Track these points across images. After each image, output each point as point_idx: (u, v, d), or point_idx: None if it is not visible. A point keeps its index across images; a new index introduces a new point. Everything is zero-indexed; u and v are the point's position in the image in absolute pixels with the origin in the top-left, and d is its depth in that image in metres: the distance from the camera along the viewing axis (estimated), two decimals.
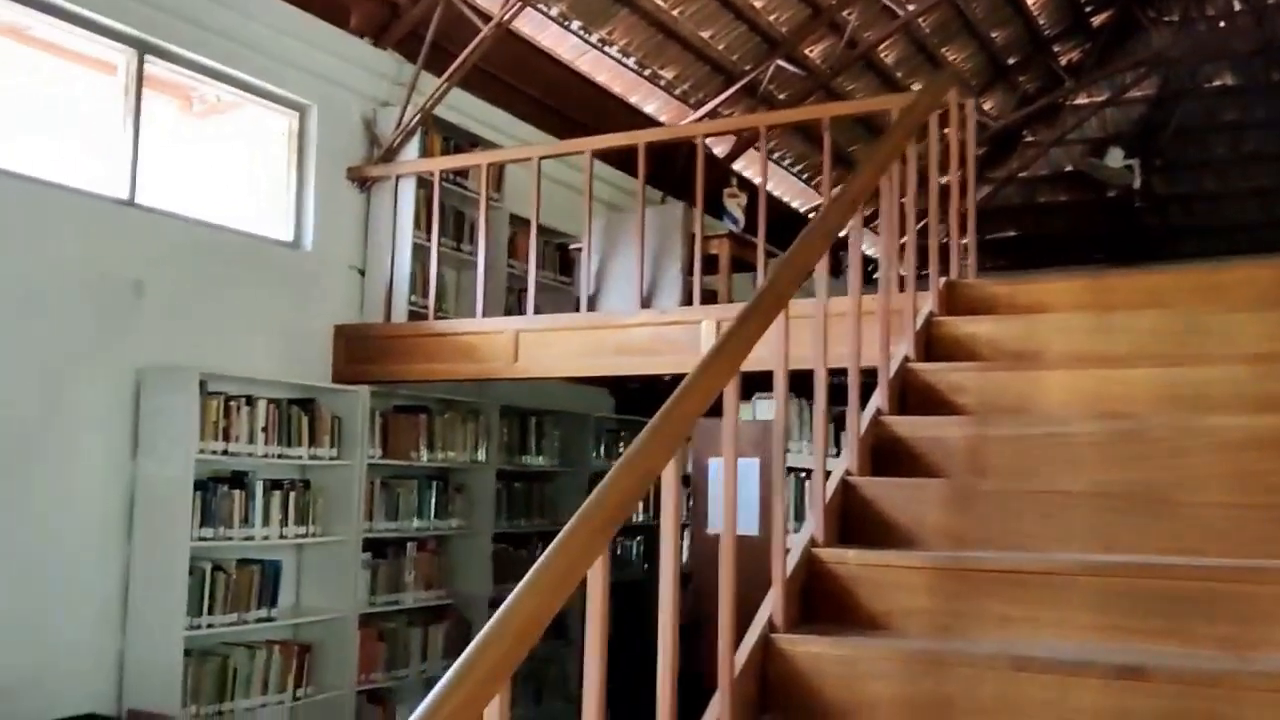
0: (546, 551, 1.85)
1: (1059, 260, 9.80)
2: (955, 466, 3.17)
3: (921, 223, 4.24)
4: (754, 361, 2.49)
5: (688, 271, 5.09)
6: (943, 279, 4.11)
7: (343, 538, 5.35)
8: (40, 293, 4.41)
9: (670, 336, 4.95)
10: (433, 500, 5.96)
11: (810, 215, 10.23)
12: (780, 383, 2.66)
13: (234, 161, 5.64)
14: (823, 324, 2.86)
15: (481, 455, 6.31)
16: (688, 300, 5.04)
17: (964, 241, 4.36)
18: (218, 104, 5.64)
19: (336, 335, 5.77)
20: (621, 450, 7.88)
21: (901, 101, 4.76)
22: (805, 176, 9.74)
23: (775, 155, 9.17)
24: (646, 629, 2.41)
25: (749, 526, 4.96)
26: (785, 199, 9.74)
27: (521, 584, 1.79)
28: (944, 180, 4.39)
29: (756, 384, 7.01)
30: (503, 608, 1.73)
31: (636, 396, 8.45)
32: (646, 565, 7.69)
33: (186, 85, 5.41)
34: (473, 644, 1.65)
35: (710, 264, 5.23)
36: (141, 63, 4.96)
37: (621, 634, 3.73)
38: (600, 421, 7.48)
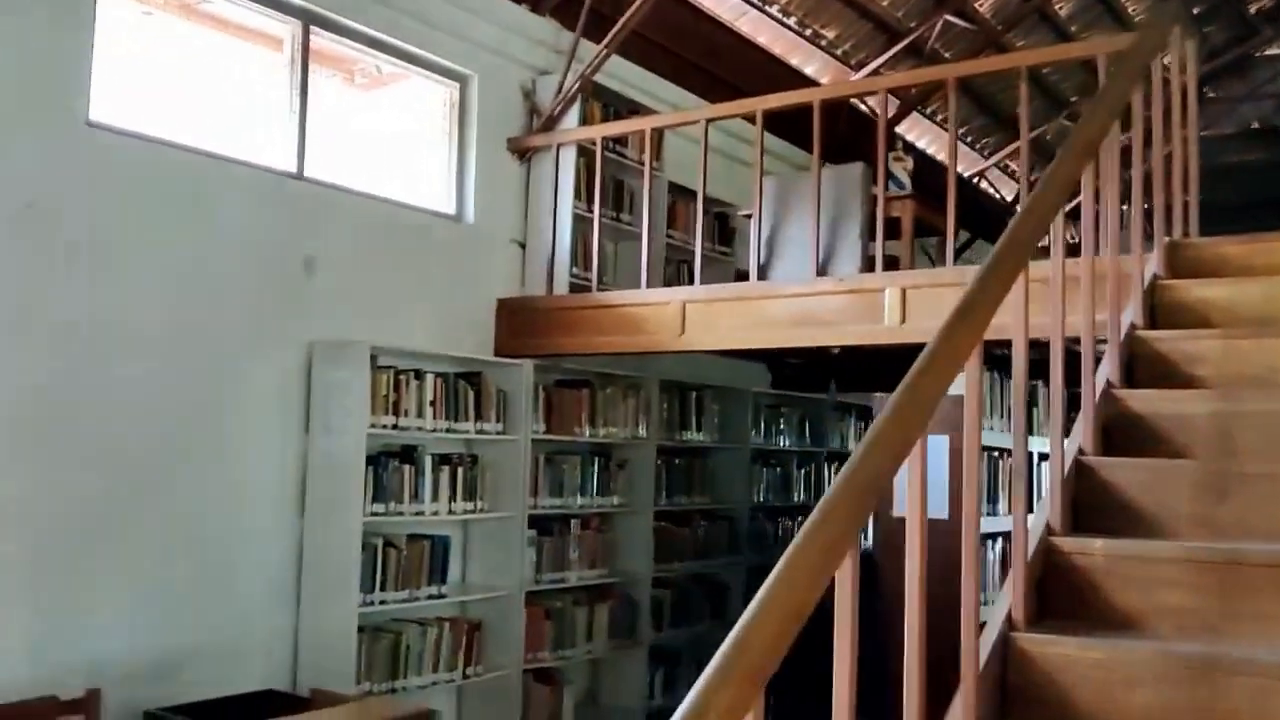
0: (795, 542, 1.62)
1: (1244, 225, 9.08)
2: (1202, 446, 2.83)
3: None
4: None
5: (868, 236, 4.80)
6: (1165, 239, 3.73)
7: (509, 514, 5.26)
8: (214, 267, 4.41)
9: (849, 306, 4.67)
10: (595, 476, 5.83)
11: (974, 179, 9.73)
12: (1020, 351, 2.38)
13: (396, 134, 5.58)
14: (1061, 285, 2.56)
15: (642, 431, 6.15)
16: (868, 267, 4.76)
17: (1186, 199, 3.95)
18: (379, 77, 5.59)
19: (499, 309, 5.68)
20: (782, 428, 7.72)
21: (1108, 46, 4.37)
22: (969, 140, 9.26)
23: (938, 118, 8.74)
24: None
25: (939, 509, 4.67)
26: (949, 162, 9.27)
27: (772, 580, 1.57)
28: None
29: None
30: (756, 603, 1.52)
31: (795, 373, 8.18)
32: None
33: (350, 59, 5.37)
34: (727, 645, 1.44)
35: (891, 228, 4.93)
36: (307, 34, 4.91)
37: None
38: (759, 397, 7.24)
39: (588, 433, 5.81)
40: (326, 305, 4.82)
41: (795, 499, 7.61)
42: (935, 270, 4.85)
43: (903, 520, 1.97)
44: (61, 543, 3.88)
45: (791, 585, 1.56)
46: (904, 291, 4.48)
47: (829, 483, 7.84)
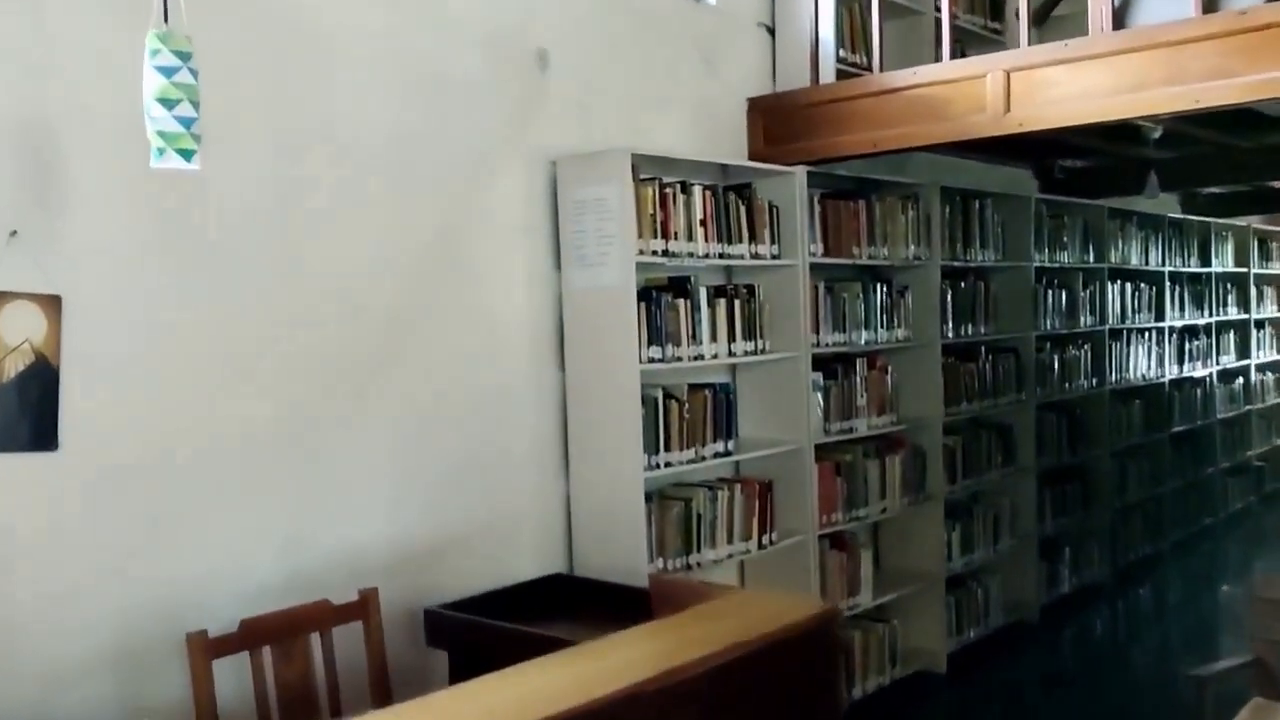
0: None
1: None
2: None
3: None
4: None
5: None
6: None
7: (792, 353, 4.37)
8: (437, 64, 3.53)
9: (1256, 48, 3.50)
10: (878, 306, 4.86)
11: None
12: None
13: None
14: None
15: (923, 249, 5.12)
16: None
17: None
18: None
19: (751, 109, 4.68)
20: (1066, 242, 6.57)
21: None
22: None
23: None
24: None
25: None
26: None
27: None
28: None
29: None
30: None
31: (1068, 177, 6.97)
32: None
33: None
34: None
35: None
36: None
37: None
38: (1040, 205, 6.10)
39: (866, 254, 4.83)
40: (565, 109, 3.91)
41: (1082, 324, 6.51)
42: None
43: None
44: (298, 424, 3.15)
45: None
46: None
47: (1115, 305, 6.71)
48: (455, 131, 3.57)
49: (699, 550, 3.93)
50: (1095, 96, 3.83)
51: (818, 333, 4.53)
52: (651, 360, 3.77)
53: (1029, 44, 4.03)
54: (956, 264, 5.38)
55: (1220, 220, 8.55)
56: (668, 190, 3.84)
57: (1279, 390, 9.52)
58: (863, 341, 4.78)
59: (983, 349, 5.61)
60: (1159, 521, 7.42)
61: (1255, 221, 9.18)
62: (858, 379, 4.73)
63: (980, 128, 4.11)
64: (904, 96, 4.29)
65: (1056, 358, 6.27)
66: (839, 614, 3.03)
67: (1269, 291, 9.38)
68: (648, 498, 3.78)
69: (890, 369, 4.94)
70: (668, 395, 3.84)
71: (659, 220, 3.81)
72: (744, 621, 2.31)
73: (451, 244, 3.58)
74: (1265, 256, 9.29)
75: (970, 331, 5.50)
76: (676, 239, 3.87)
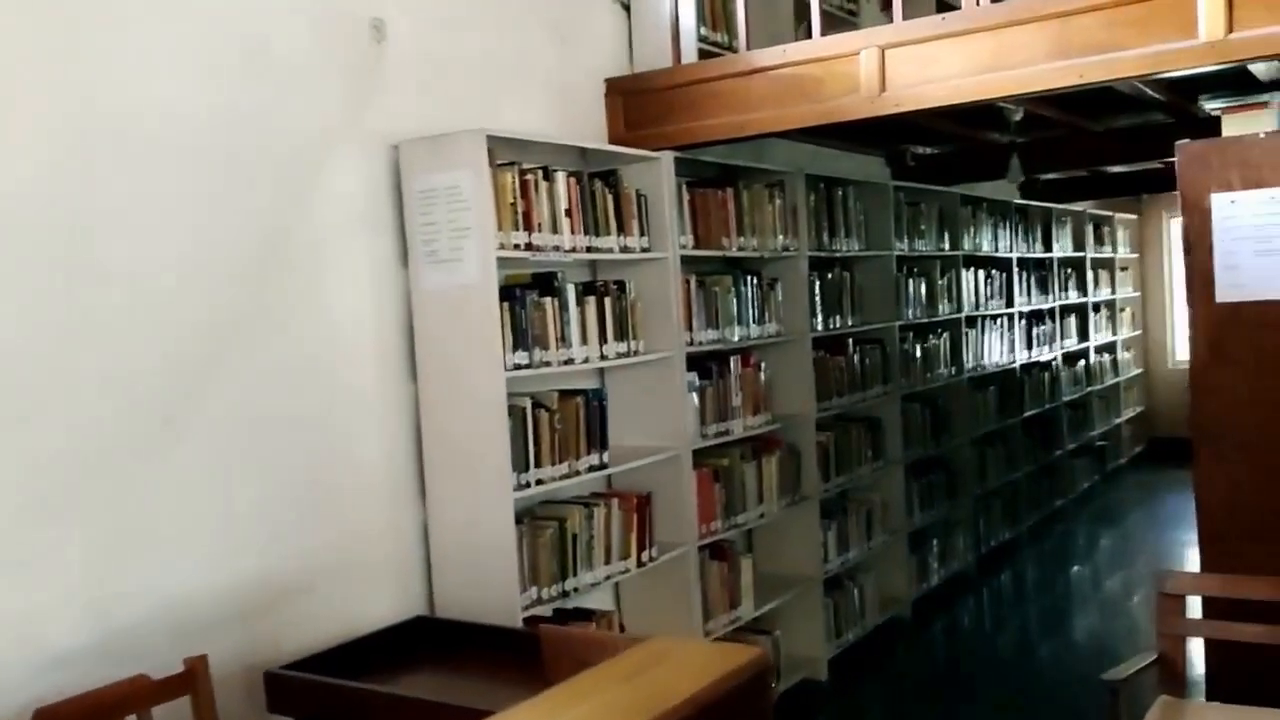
0: None
1: None
2: None
3: None
4: None
5: None
6: None
7: (666, 353, 4.04)
8: (260, 37, 3.04)
9: (1147, 18, 3.35)
10: (750, 300, 4.59)
11: None
12: None
13: None
14: None
15: (791, 240, 4.88)
16: None
17: None
18: None
19: (610, 92, 4.33)
20: (923, 230, 6.46)
21: None
22: None
23: None
24: None
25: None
26: None
27: None
28: None
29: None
30: None
31: (920, 163, 6.90)
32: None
33: None
34: None
35: None
36: None
37: None
38: (898, 193, 5.97)
39: (736, 245, 4.54)
40: (406, 87, 3.47)
41: (941, 312, 6.42)
42: None
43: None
44: (96, 457, 2.62)
45: None
46: None
47: (970, 293, 6.65)
48: (280, 113, 3.09)
49: (575, 575, 3.56)
50: (975, 74, 3.62)
51: (691, 330, 4.22)
52: (518, 366, 3.37)
53: (903, 19, 3.82)
54: (823, 254, 5.17)
55: (1059, 206, 8.70)
56: (529, 177, 3.45)
57: (1115, 371, 9.80)
58: (736, 338, 4.50)
59: (850, 341, 5.43)
60: (1016, 506, 7.46)
61: (1089, 207, 9.41)
62: (732, 378, 4.45)
63: (854, 109, 3.86)
64: (773, 76, 4.01)
65: (919, 347, 6.16)
66: (769, 664, 2.67)
67: (1103, 275, 9.63)
68: (518, 520, 3.38)
69: (763, 365, 4.68)
70: (537, 404, 3.45)
71: (520, 210, 3.41)
72: (666, 682, 1.94)
73: (279, 241, 3.09)
74: (1100, 241, 9.53)
75: (838, 324, 5.30)
76: (541, 231, 3.48)
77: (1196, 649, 3.76)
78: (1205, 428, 3.59)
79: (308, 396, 3.13)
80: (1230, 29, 3.22)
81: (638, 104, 4.32)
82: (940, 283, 6.44)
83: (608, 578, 3.71)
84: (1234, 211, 3.53)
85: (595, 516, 3.64)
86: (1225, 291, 3.54)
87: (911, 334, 6.09)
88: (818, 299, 5.08)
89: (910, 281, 6.06)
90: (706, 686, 1.83)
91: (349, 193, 3.29)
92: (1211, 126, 4.67)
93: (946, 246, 6.57)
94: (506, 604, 3.32)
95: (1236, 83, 5.45)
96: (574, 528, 3.55)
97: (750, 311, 4.58)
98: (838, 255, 5.33)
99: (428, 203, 3.37)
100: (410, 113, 3.47)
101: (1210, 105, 6.14)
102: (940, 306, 6.43)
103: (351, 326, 3.28)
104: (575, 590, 3.56)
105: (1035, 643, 5.65)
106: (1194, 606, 3.56)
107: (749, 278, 4.60)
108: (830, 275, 5.24)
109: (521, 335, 3.38)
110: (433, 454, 3.44)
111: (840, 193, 5.33)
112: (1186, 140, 3.69)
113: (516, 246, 3.38)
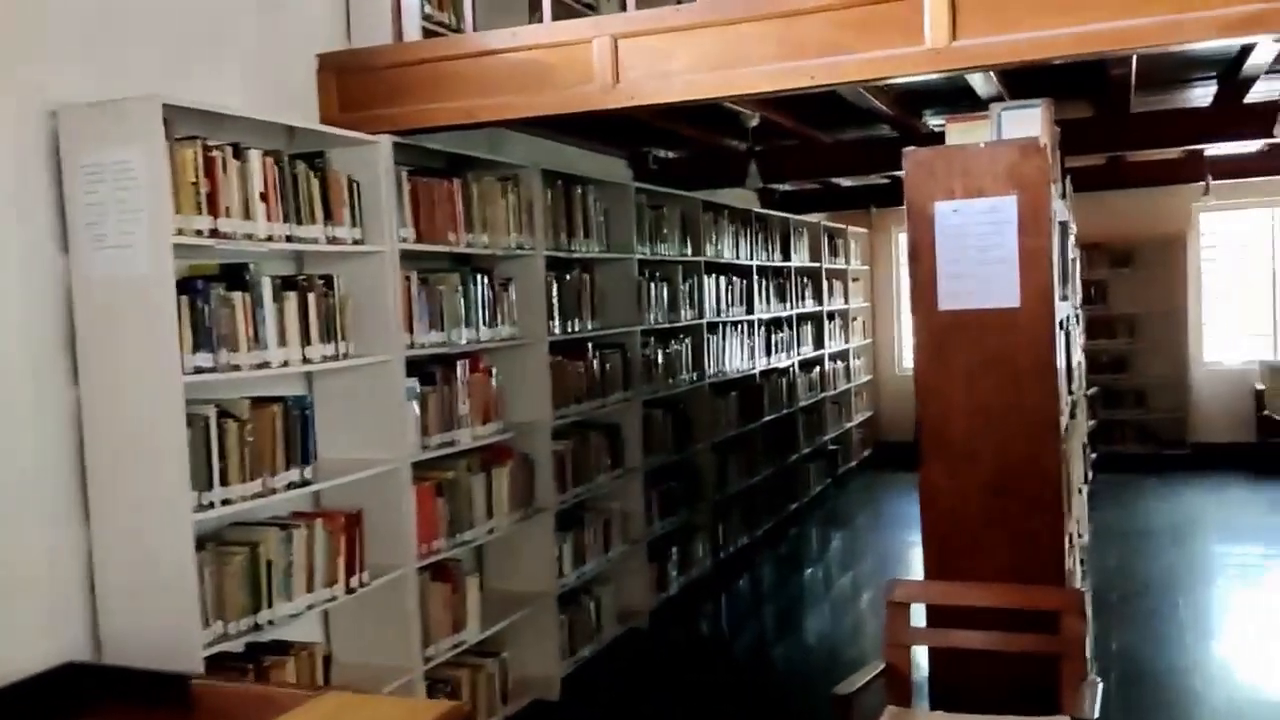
0: None
1: None
2: None
3: None
4: None
5: None
6: None
7: (383, 357, 3.70)
8: None
9: (870, 20, 3.31)
10: (479, 301, 4.30)
11: None
12: None
13: None
14: None
15: (527, 238, 4.64)
16: None
17: None
18: None
19: (323, 68, 3.94)
20: (666, 234, 6.36)
21: None
22: None
23: None
24: None
25: (1007, 296, 3.51)
26: None
27: None
28: None
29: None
30: None
31: (662, 166, 6.83)
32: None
33: None
34: None
35: None
36: None
37: None
38: (640, 194, 5.84)
39: (464, 241, 4.25)
40: (69, 43, 2.98)
41: (683, 318, 6.35)
42: None
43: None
44: None
45: None
46: None
47: (711, 299, 6.64)
48: None
49: (271, 606, 3.16)
50: (707, 70, 3.50)
51: (411, 332, 3.89)
52: (199, 370, 2.94)
53: (636, 8, 3.65)
54: (561, 254, 4.95)
55: (797, 216, 8.90)
56: (215, 154, 3.02)
57: (848, 377, 10.15)
58: (463, 341, 4.20)
59: (590, 345, 5.24)
60: (754, 511, 7.52)
61: (825, 219, 9.70)
62: (459, 384, 4.15)
63: (588, 100, 3.66)
64: (504, 61, 3.75)
65: (660, 352, 6.06)
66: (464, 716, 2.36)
67: (838, 285, 9.94)
68: (200, 545, 2.95)
69: (495, 371, 4.40)
70: (223, 413, 3.03)
71: (204, 192, 2.98)
72: None
73: None
74: (834, 252, 9.84)
75: (577, 327, 5.10)
76: (229, 216, 3.07)
77: (924, 656, 3.77)
78: (929, 436, 3.60)
79: None
80: (954, 36, 3.22)
81: (355, 83, 3.95)
82: (683, 288, 6.37)
83: (310, 607, 3.32)
84: (957, 220, 3.55)
85: (295, 539, 3.25)
86: (948, 299, 3.55)
87: (653, 339, 5.98)
88: (555, 301, 4.86)
89: (652, 286, 5.95)
90: None
91: None
92: (936, 141, 4.77)
93: (689, 252, 6.52)
94: (185, 642, 2.88)
95: (960, 100, 5.67)
96: (268, 553, 3.14)
97: (480, 313, 4.29)
98: (577, 256, 5.13)
99: (93, 179, 2.89)
100: (75, 73, 2.98)
101: (935, 121, 6.38)
102: (683, 312, 6.36)
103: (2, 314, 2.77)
104: (270, 623, 3.16)
105: (772, 647, 5.65)
106: (920, 613, 3.56)
107: (480, 276, 4.31)
108: (569, 277, 5.03)
109: (205, 334, 2.95)
110: (98, 470, 2.96)
111: (580, 191, 5.14)
112: (913, 147, 3.70)
113: (198, 233, 2.96)
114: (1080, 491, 5.21)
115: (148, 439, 2.89)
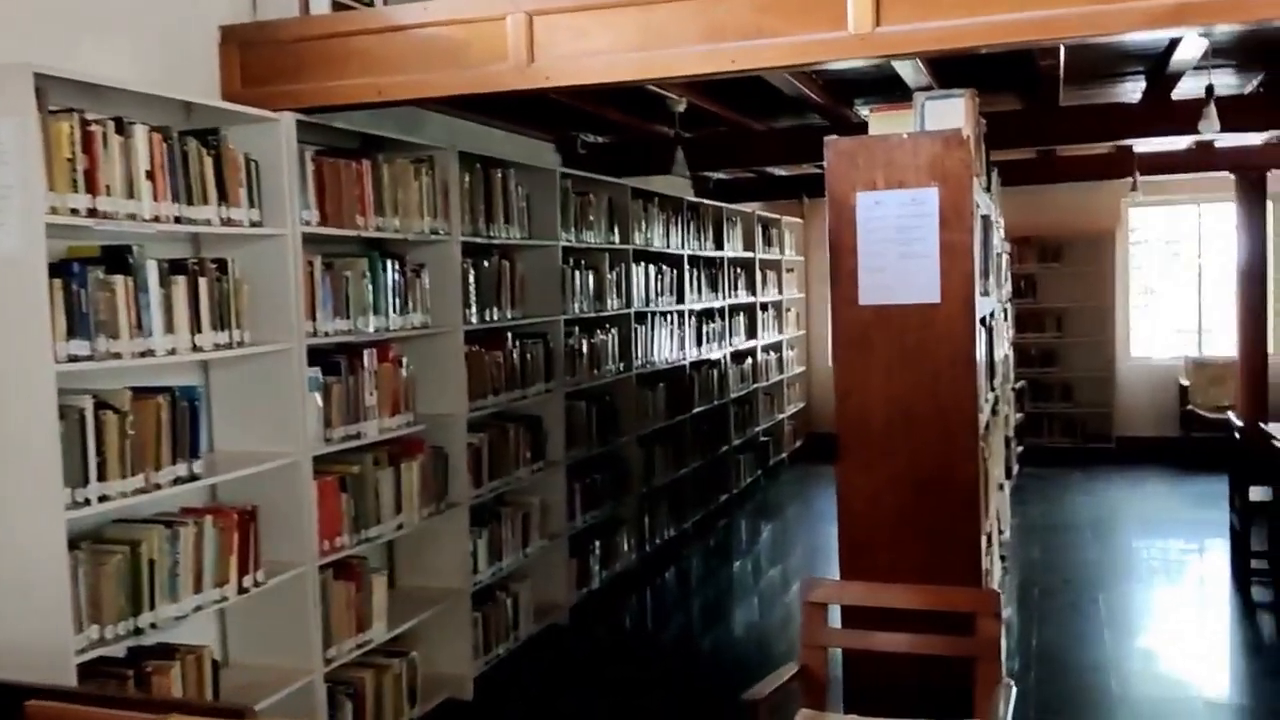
0: None
1: None
2: None
3: None
4: None
5: None
6: None
7: (282, 346, 3.52)
8: None
9: (781, 6, 3.20)
10: (389, 287, 4.14)
11: None
12: None
13: None
14: None
15: (441, 222, 4.48)
16: None
17: None
18: None
19: (225, 40, 3.74)
20: (592, 222, 6.22)
21: None
22: None
23: None
24: None
25: (927, 291, 3.43)
26: None
27: None
28: None
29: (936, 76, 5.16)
30: None
31: (592, 153, 6.70)
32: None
33: None
34: None
35: None
36: None
37: None
38: (564, 180, 5.70)
39: (373, 225, 4.08)
40: None
41: (610, 307, 6.23)
42: None
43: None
44: None
45: None
46: None
47: (640, 288, 6.52)
48: None
49: (153, 608, 2.98)
50: (626, 51, 3.36)
51: (314, 320, 3.73)
52: (74, 358, 2.76)
53: None
54: (479, 240, 4.80)
55: (730, 205, 8.81)
56: (94, 129, 2.83)
57: (780, 369, 10.10)
58: (371, 329, 4.03)
59: (510, 335, 5.09)
60: (682, 503, 7.43)
61: (758, 208, 9.62)
62: (366, 374, 3.98)
63: (502, 79, 3.51)
64: (414, 36, 3.59)
65: (585, 343, 5.93)
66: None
67: (771, 276, 9.88)
68: (74, 545, 2.78)
69: (405, 360, 4.24)
70: (101, 405, 2.85)
71: (81, 168, 2.79)
72: None
73: None
74: (768, 242, 9.77)
75: (496, 316, 4.95)
76: (110, 195, 2.88)
77: (839, 658, 3.70)
78: (847, 432, 3.52)
79: None
80: (878, 22, 3.13)
81: (258, 58, 3.75)
82: (610, 277, 6.24)
83: (198, 609, 3.15)
84: (878, 212, 3.47)
85: (182, 537, 3.08)
86: (869, 293, 3.47)
87: (578, 329, 5.85)
88: (472, 288, 4.71)
89: (577, 274, 5.81)
90: None
91: None
92: (866, 131, 4.71)
93: (617, 240, 6.39)
94: (57, 647, 2.71)
95: (892, 90, 5.60)
96: (150, 552, 2.97)
97: (391, 300, 4.13)
98: (496, 242, 4.98)
99: None
100: None
101: (865, 111, 6.30)
102: (609, 301, 6.23)
103: None
104: (153, 626, 2.98)
105: (697, 640, 5.57)
106: (836, 614, 3.48)
107: (390, 262, 4.15)
108: (488, 263, 4.88)
109: (81, 320, 2.77)
110: None
111: (501, 175, 4.98)
112: (835, 136, 3.61)
113: (75, 212, 2.77)
114: (1001, 488, 5.19)
115: (17, 432, 2.70)
